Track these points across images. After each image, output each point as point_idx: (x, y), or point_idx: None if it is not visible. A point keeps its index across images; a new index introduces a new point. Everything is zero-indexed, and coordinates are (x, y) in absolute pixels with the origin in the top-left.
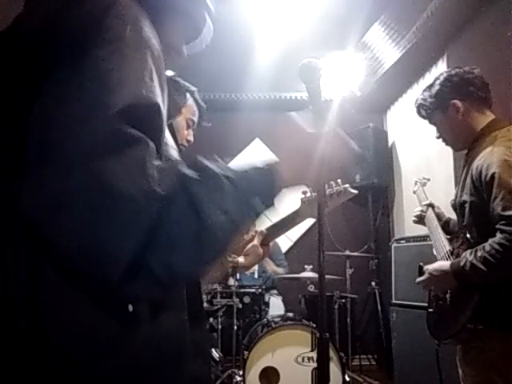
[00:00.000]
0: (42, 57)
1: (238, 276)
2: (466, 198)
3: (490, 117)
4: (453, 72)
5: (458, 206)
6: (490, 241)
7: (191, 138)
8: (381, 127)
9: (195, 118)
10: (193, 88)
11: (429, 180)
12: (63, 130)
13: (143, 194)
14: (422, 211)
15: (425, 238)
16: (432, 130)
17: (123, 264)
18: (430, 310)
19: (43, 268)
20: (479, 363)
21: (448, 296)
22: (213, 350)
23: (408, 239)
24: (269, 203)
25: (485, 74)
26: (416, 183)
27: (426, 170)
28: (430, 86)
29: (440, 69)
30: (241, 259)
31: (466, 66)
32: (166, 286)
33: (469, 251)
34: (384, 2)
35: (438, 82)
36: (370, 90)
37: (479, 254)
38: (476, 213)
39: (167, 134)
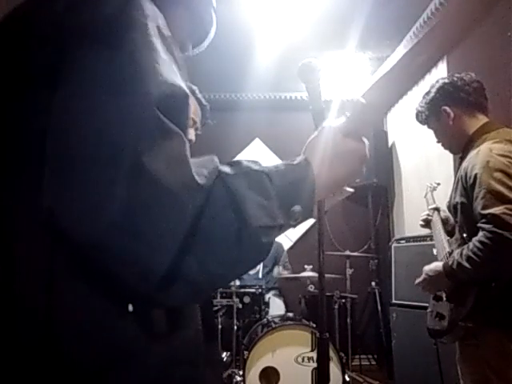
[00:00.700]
0: (62, 44)
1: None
2: (457, 199)
3: (482, 120)
4: (447, 80)
5: (452, 208)
6: (473, 239)
7: (193, 138)
8: (381, 128)
9: (197, 118)
10: (193, 87)
11: (439, 184)
12: (96, 121)
13: (186, 189)
14: (428, 215)
15: (425, 238)
16: (432, 131)
17: (164, 266)
18: (429, 309)
19: (64, 277)
20: (475, 361)
21: (444, 296)
22: (223, 354)
23: (408, 239)
24: (308, 213)
25: (485, 75)
26: (427, 188)
27: (426, 171)
28: (427, 94)
29: (440, 70)
30: None
31: (464, 72)
32: (204, 290)
33: (457, 250)
34: (384, 2)
35: (433, 89)
36: (370, 90)
37: (464, 252)
38: (465, 213)
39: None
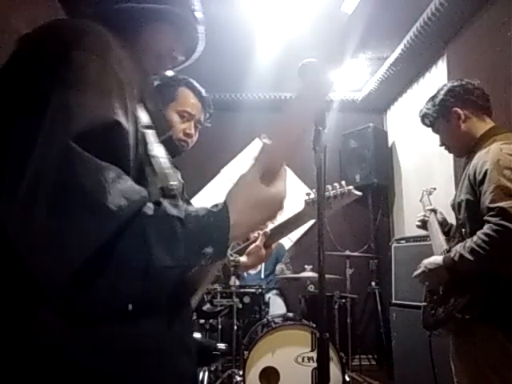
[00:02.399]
0: (24, 85)
1: (244, 274)
2: (463, 197)
3: (489, 124)
4: (455, 83)
5: (456, 206)
6: (478, 232)
7: (190, 131)
8: (381, 127)
9: (192, 110)
10: (185, 79)
11: (435, 189)
12: (27, 150)
13: (100, 210)
14: (424, 216)
15: (425, 238)
16: (435, 133)
17: (69, 272)
18: (424, 303)
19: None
20: (470, 358)
21: (441, 289)
22: (218, 344)
23: (408, 239)
24: (220, 254)
25: (485, 74)
26: (423, 192)
27: (426, 170)
28: (434, 97)
29: (440, 69)
30: (243, 259)
31: (469, 76)
32: (111, 305)
33: (459, 244)
34: (384, 3)
35: (441, 92)
36: (370, 89)
37: (468, 244)
38: (470, 210)
39: (157, 147)
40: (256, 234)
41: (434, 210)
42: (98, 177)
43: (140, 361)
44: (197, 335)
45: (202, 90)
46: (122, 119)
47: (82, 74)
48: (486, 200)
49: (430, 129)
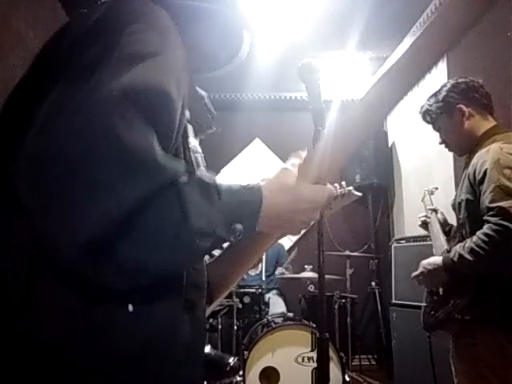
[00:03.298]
0: (77, 53)
1: (244, 276)
2: (463, 196)
3: (491, 123)
4: (459, 80)
5: (456, 206)
6: (478, 232)
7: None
8: (381, 127)
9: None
10: (203, 93)
11: (437, 189)
12: (68, 101)
13: (147, 164)
14: (426, 216)
15: (425, 238)
16: (432, 130)
17: (92, 238)
18: (424, 304)
19: (40, 260)
20: (471, 359)
21: (441, 290)
22: (231, 359)
23: (408, 239)
24: (249, 231)
25: (485, 75)
26: (425, 192)
27: (426, 170)
28: (437, 93)
29: (440, 70)
30: None
31: (465, 72)
32: (128, 279)
33: (459, 244)
34: (384, 3)
35: (444, 88)
36: (370, 90)
37: (467, 244)
38: (470, 209)
39: (195, 143)
40: None
41: (435, 210)
42: (143, 136)
43: (142, 365)
44: (207, 348)
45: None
46: (174, 96)
47: (140, 47)
48: (485, 199)
49: (430, 129)
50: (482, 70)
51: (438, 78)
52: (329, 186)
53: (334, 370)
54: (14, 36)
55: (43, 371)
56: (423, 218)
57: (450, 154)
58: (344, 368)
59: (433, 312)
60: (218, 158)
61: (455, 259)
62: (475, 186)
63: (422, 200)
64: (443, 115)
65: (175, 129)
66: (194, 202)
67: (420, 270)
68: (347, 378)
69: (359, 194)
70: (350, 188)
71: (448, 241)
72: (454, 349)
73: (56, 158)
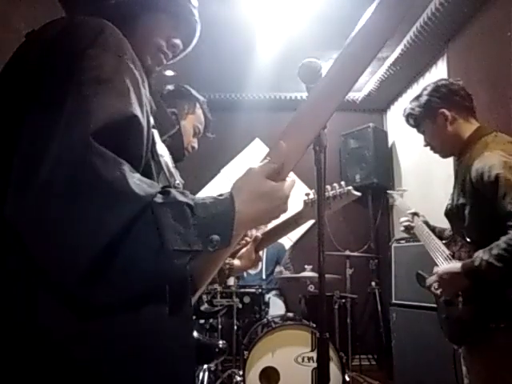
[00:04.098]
0: (38, 83)
1: (244, 275)
2: (464, 200)
3: (475, 125)
4: (439, 83)
5: (455, 210)
6: (504, 238)
7: (195, 145)
8: (381, 127)
9: (201, 127)
10: (202, 98)
11: (405, 191)
12: (41, 146)
13: (121, 197)
14: (409, 220)
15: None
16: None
17: (88, 262)
18: (443, 315)
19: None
20: (487, 360)
21: (460, 299)
22: (220, 341)
23: (408, 239)
24: (226, 242)
25: (485, 74)
26: (392, 196)
27: (426, 170)
28: (418, 97)
29: (440, 69)
30: (236, 262)
31: (470, 76)
32: (117, 295)
33: (481, 251)
34: None
35: (425, 92)
36: (369, 89)
37: (494, 252)
38: (476, 214)
39: (161, 146)
40: (248, 239)
41: (416, 214)
42: (116, 169)
43: (139, 359)
44: (195, 334)
45: (208, 112)
46: (139, 115)
47: (99, 72)
48: (506, 205)
49: (419, 133)
50: (482, 70)
51: (438, 77)
52: (290, 178)
53: (334, 370)
54: (14, 36)
55: (44, 368)
56: (406, 223)
57: None
58: (344, 368)
59: (457, 323)
60: (218, 158)
61: (482, 267)
62: (484, 190)
63: (395, 204)
64: (426, 120)
65: (145, 144)
66: (168, 225)
67: (435, 277)
68: (347, 378)
69: (358, 193)
70: (349, 188)
71: (447, 245)
72: (467, 350)
73: (50, 204)
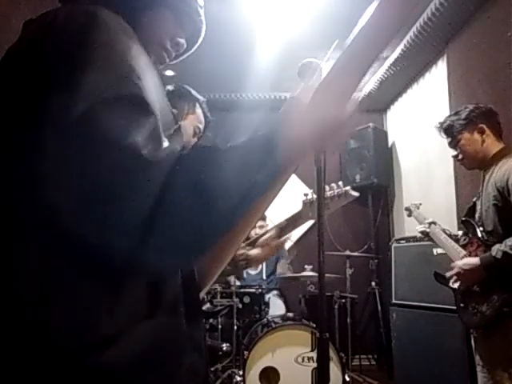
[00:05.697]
0: (37, 73)
1: (244, 275)
2: (489, 204)
3: (501, 145)
4: (479, 105)
5: (483, 218)
6: None
7: None
8: (381, 127)
9: (201, 127)
10: (202, 98)
11: (421, 204)
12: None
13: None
14: (424, 227)
15: (425, 238)
16: (432, 129)
17: (132, 232)
18: (461, 304)
19: (54, 257)
20: (503, 349)
21: (476, 288)
22: (224, 344)
23: (408, 239)
24: (274, 176)
25: (485, 74)
26: (408, 209)
27: (426, 170)
28: (458, 113)
29: (440, 69)
30: (253, 252)
31: (470, 76)
32: (176, 262)
33: (497, 245)
34: None
35: (467, 109)
36: (369, 89)
37: (509, 243)
38: (500, 214)
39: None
40: (266, 227)
41: (433, 222)
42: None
43: (155, 356)
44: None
45: (207, 112)
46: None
47: (102, 57)
48: None
49: (430, 129)
50: (482, 70)
51: (438, 77)
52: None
53: (334, 370)
54: (14, 35)
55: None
56: (422, 229)
57: (450, 154)
58: (344, 368)
59: (475, 310)
60: None
61: (499, 257)
62: (508, 193)
63: (410, 215)
64: (465, 132)
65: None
66: (206, 174)
67: (455, 270)
68: (347, 378)
69: (356, 193)
70: (348, 188)
71: (463, 247)
72: (482, 338)
73: (95, 191)
